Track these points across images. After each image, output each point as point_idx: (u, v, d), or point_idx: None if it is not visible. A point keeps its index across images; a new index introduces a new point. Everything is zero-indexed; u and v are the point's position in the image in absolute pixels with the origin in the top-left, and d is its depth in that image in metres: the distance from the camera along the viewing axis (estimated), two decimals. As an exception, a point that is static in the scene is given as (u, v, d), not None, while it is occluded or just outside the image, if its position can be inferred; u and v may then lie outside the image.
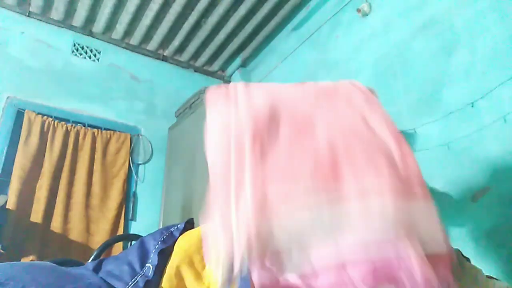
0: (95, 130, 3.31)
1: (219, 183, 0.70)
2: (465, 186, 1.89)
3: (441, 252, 0.68)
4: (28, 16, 3.36)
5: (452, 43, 2.11)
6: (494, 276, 1.12)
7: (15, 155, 2.90)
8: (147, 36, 3.70)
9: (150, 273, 1.05)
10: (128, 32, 3.66)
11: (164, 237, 1.16)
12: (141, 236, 2.00)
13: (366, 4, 2.68)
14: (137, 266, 1.07)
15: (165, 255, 1.11)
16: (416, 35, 2.33)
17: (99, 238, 3.00)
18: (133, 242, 2.30)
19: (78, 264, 1.75)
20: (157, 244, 1.13)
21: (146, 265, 1.08)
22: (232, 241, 0.65)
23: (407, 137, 2.23)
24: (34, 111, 3.08)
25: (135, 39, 3.72)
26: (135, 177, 3.43)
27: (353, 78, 2.90)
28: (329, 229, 0.66)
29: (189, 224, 1.27)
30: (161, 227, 3.28)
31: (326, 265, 0.65)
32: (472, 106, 1.91)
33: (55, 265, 1.01)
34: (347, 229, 0.66)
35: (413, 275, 0.62)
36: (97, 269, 1.09)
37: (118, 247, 3.02)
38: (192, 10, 3.35)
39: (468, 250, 1.69)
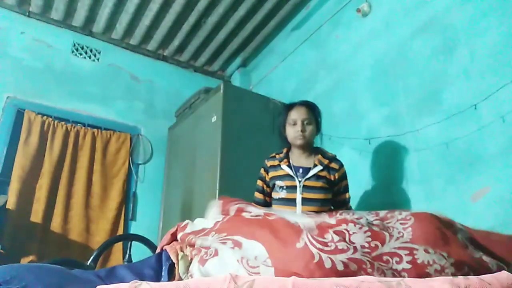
0: (95, 130, 3.31)
1: None
2: (465, 186, 1.89)
3: None
4: (28, 16, 3.36)
5: (452, 43, 2.11)
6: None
7: (15, 155, 2.90)
8: (147, 36, 3.70)
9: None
10: (128, 32, 3.66)
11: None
12: (141, 236, 2.02)
13: (366, 4, 2.68)
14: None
15: (173, 273, 1.15)
16: (416, 35, 2.33)
17: (99, 238, 3.00)
18: (133, 242, 2.31)
19: (78, 264, 1.74)
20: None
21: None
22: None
23: (408, 136, 2.23)
24: (34, 111, 3.08)
25: (135, 39, 3.73)
26: (135, 177, 3.43)
27: (353, 78, 2.92)
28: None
29: None
30: (161, 227, 3.28)
31: None
32: (475, 108, 1.91)
33: (63, 268, 1.01)
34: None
35: None
36: (109, 276, 1.08)
37: (118, 247, 3.02)
38: (192, 10, 3.35)
39: (468, 250, 1.69)
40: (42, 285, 0.79)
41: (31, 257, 2.68)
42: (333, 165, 1.89)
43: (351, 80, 2.74)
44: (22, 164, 2.88)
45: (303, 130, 1.86)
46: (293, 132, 1.88)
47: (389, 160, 2.32)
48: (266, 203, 1.94)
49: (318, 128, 1.95)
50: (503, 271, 0.76)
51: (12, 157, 2.89)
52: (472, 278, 0.72)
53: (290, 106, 1.94)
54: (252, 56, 3.97)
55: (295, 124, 1.88)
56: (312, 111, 1.92)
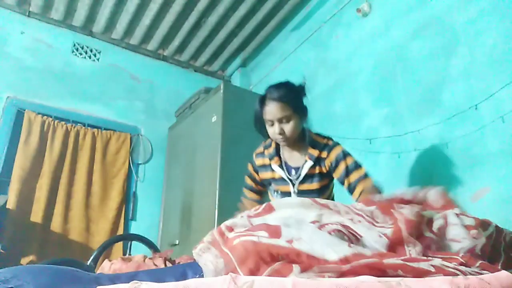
0: (95, 130, 3.31)
1: None
2: (465, 186, 1.89)
3: None
4: (28, 16, 3.36)
5: (452, 43, 2.11)
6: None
7: (15, 155, 2.90)
8: (147, 36, 3.70)
9: None
10: (128, 32, 3.66)
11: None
12: (141, 236, 2.00)
13: (366, 4, 2.68)
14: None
15: None
16: (416, 35, 2.33)
17: (99, 238, 3.00)
18: (133, 242, 2.30)
19: (78, 264, 1.74)
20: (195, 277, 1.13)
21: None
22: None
23: (408, 136, 2.23)
24: (34, 111, 3.08)
25: (135, 39, 3.73)
26: (135, 177, 3.43)
27: (353, 78, 2.92)
28: None
29: None
30: (161, 227, 3.28)
31: None
32: (475, 108, 1.91)
33: (69, 268, 1.00)
34: None
35: None
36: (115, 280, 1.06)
37: (118, 247, 3.02)
38: (192, 10, 3.35)
39: (468, 250, 1.69)
40: (35, 284, 0.80)
41: (31, 257, 2.68)
42: (323, 154, 1.64)
43: (351, 80, 2.74)
44: (22, 164, 2.88)
45: (281, 133, 1.59)
46: (272, 133, 1.63)
47: (389, 160, 2.32)
48: (260, 202, 1.79)
49: (302, 116, 1.64)
50: (502, 270, 0.75)
51: (12, 157, 2.89)
52: (472, 278, 0.72)
53: (262, 101, 1.63)
54: (252, 56, 3.97)
55: (272, 124, 1.61)
56: (289, 103, 1.58)
